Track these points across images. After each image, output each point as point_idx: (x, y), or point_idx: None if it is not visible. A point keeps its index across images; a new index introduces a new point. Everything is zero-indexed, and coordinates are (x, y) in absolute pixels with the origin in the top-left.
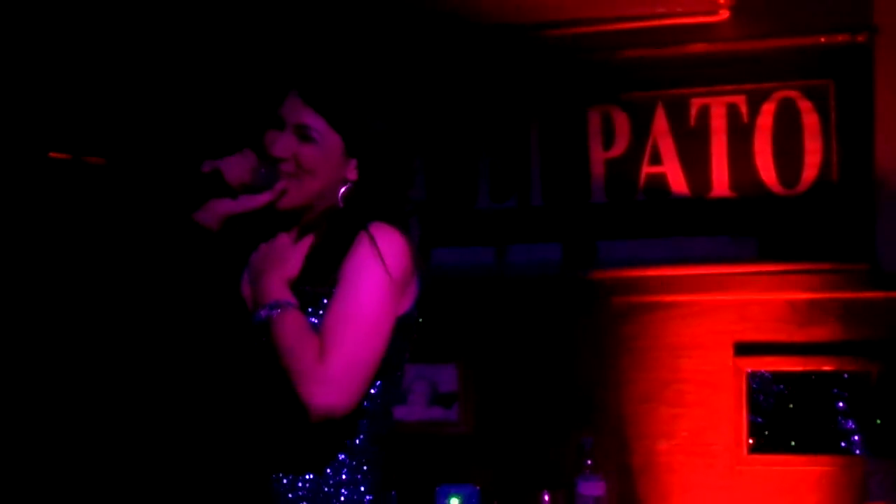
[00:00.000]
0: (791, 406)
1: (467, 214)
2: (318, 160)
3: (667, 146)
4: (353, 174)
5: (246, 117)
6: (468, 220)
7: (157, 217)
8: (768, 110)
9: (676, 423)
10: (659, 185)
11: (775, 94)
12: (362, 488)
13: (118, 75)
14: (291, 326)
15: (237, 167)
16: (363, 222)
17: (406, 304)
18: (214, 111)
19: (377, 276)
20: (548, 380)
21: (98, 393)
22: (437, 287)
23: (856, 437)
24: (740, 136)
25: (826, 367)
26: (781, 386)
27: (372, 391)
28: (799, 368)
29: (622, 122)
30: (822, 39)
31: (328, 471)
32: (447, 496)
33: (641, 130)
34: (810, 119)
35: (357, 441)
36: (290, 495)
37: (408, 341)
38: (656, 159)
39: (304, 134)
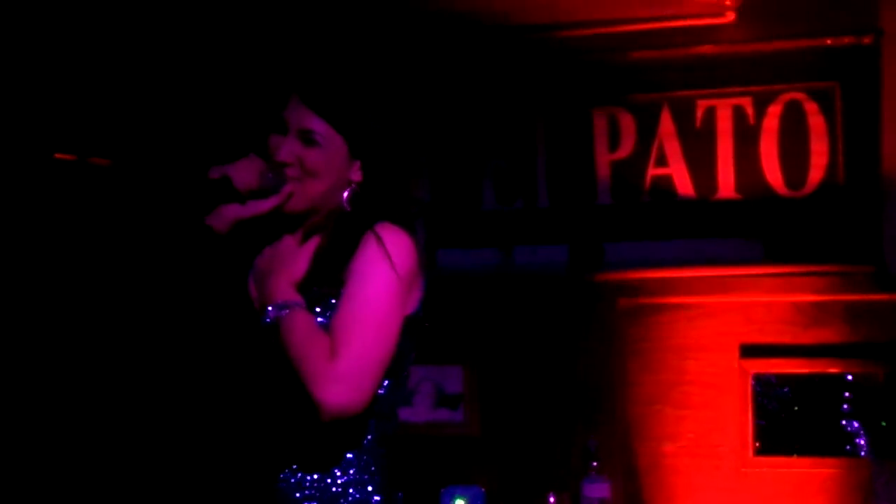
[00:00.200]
0: (797, 408)
1: (473, 216)
2: (323, 163)
3: (673, 148)
4: (357, 176)
5: (249, 121)
6: (474, 222)
7: (165, 219)
8: (774, 112)
9: (682, 424)
10: (665, 186)
11: (781, 96)
12: (370, 488)
13: (123, 77)
14: (300, 327)
15: (245, 172)
16: (369, 223)
17: (412, 303)
18: (218, 113)
19: (385, 275)
20: (553, 381)
21: (105, 395)
22: (443, 288)
23: (861, 440)
24: (746, 137)
25: (832, 370)
26: (787, 388)
27: (380, 391)
28: (805, 370)
29: (628, 124)
30: (829, 41)
31: (336, 471)
32: (452, 498)
33: (647, 132)
34: (816, 121)
35: (365, 441)
36: (297, 494)
37: (414, 341)
38: (662, 161)
39: (307, 138)
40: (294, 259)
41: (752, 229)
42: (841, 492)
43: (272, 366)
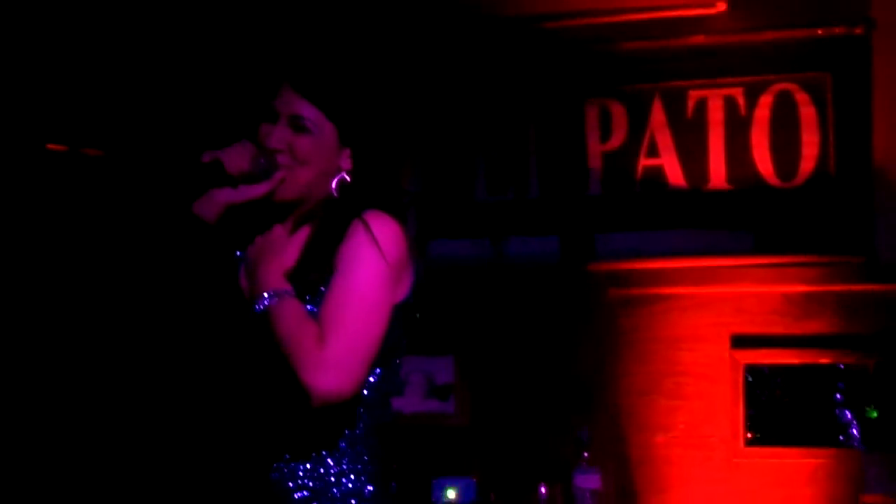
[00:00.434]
0: (788, 399)
1: (464, 206)
2: (313, 150)
3: (664, 139)
4: (347, 164)
5: (240, 110)
6: (465, 212)
7: (155, 209)
8: (765, 103)
9: (674, 415)
10: (656, 177)
11: (773, 86)
12: (363, 478)
13: (115, 67)
14: (290, 314)
15: (237, 157)
16: (358, 211)
17: (402, 291)
18: (210, 103)
19: (373, 262)
20: (545, 372)
21: (96, 384)
22: (434, 279)
23: (853, 430)
24: (737, 128)
25: (823, 360)
26: (778, 378)
27: (371, 379)
28: (796, 361)
29: (619, 115)
30: (820, 32)
31: (329, 460)
32: (444, 488)
33: (639, 123)
34: (807, 111)
35: (357, 430)
36: (290, 484)
37: (405, 330)
38: (653, 152)
39: (298, 125)
40: (284, 248)
41: (744, 220)
42: (832, 482)
43: (263, 355)
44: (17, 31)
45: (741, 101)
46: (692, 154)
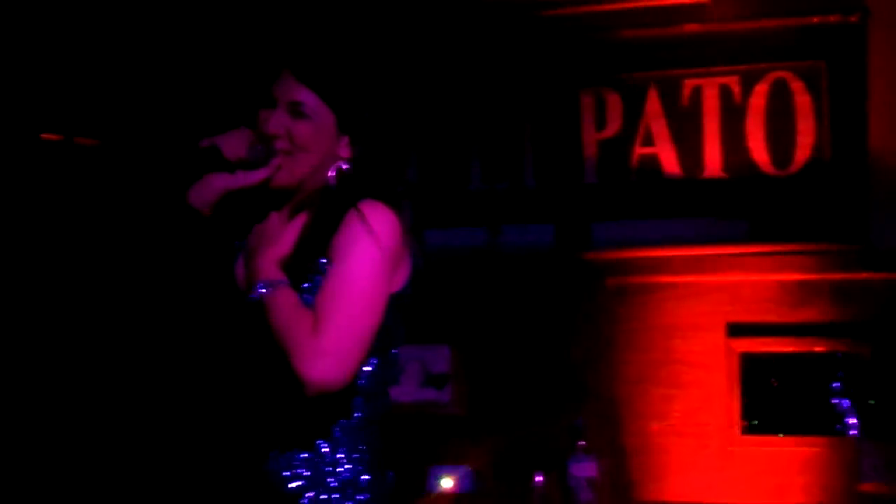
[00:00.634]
0: (784, 387)
1: (460, 195)
2: (312, 137)
3: (659, 127)
4: (345, 151)
5: (239, 97)
6: (461, 201)
7: (150, 199)
8: (761, 91)
9: (669, 403)
10: (651, 165)
11: (768, 74)
12: (359, 467)
13: (110, 55)
14: (284, 304)
15: (235, 143)
16: (354, 200)
17: (399, 281)
18: (207, 91)
19: (368, 251)
20: (541, 361)
21: (90, 373)
22: (430, 268)
23: (849, 419)
24: (733, 116)
25: (819, 348)
26: (774, 367)
27: (367, 369)
28: (792, 349)
29: (615, 104)
30: (815, 20)
31: (325, 449)
32: (439, 477)
33: (634, 111)
34: (803, 100)
35: (353, 419)
36: (286, 473)
37: (402, 320)
38: (649, 140)
39: (297, 110)
40: (279, 236)
41: (739, 208)
42: (828, 471)
43: (258, 344)
44: (10, 21)
45: (736, 89)
46: (687, 142)
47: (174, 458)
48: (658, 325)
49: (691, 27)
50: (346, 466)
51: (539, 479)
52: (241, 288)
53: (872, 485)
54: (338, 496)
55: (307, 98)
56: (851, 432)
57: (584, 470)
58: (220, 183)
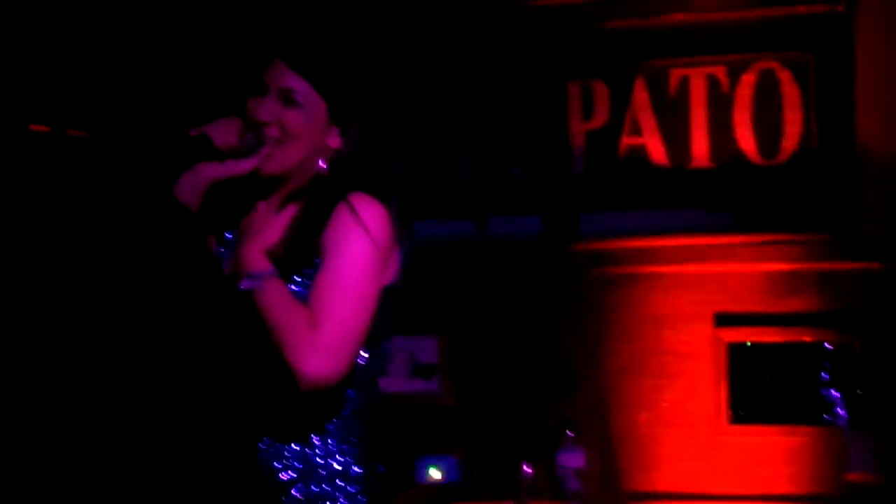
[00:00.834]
0: (771, 377)
1: (447, 186)
2: (303, 125)
3: (647, 118)
4: (335, 142)
5: (229, 85)
6: (448, 192)
7: (138, 191)
8: (748, 81)
9: (657, 394)
10: (639, 156)
11: (755, 64)
12: (349, 459)
13: (100, 45)
14: (276, 296)
15: (225, 131)
16: (343, 192)
17: (390, 274)
18: (198, 81)
19: (362, 245)
20: (529, 351)
21: (80, 365)
22: (418, 259)
23: (837, 408)
24: (720, 106)
25: (806, 338)
26: (762, 356)
27: (359, 361)
28: (779, 339)
29: (602, 94)
30: (802, 9)
31: (317, 441)
32: (427, 467)
33: (621, 102)
34: (790, 90)
35: (344, 412)
36: (276, 464)
37: (393, 312)
38: (636, 130)
39: (288, 98)
40: (267, 227)
41: (727, 198)
42: (816, 460)
43: (248, 335)
44: None
45: (723, 79)
46: (675, 133)
47: (164, 448)
48: (646, 316)
49: (678, 17)
50: (337, 458)
51: (527, 469)
52: (229, 280)
53: (860, 474)
54: (328, 488)
55: (299, 86)
56: (839, 422)
57: (572, 460)
58: (209, 172)
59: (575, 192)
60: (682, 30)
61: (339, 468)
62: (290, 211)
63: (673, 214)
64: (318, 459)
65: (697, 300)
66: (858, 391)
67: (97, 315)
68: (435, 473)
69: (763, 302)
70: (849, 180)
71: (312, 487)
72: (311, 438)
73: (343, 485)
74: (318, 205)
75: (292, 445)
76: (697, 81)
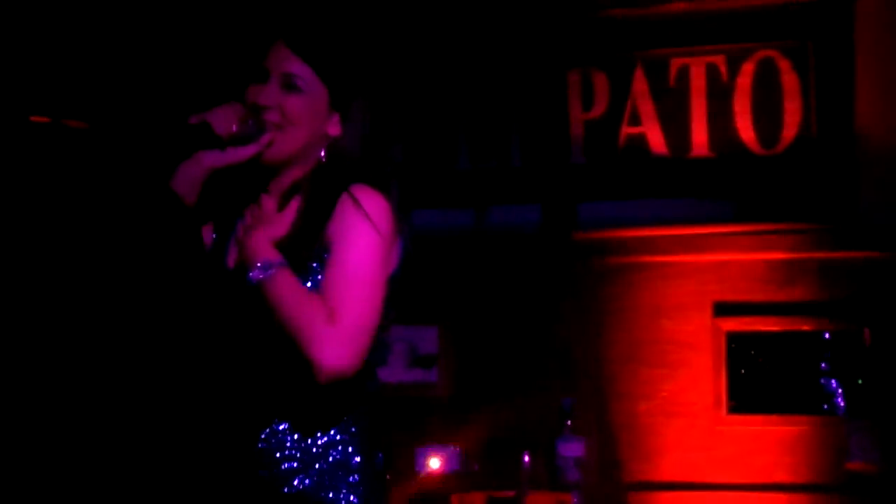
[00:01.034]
0: (771, 366)
1: (447, 175)
2: (304, 110)
3: (646, 107)
4: (335, 129)
5: (230, 71)
6: (448, 182)
7: (138, 184)
8: (748, 70)
9: (657, 383)
10: (638, 145)
11: (755, 53)
12: (351, 449)
13: (99, 35)
14: (288, 287)
15: (225, 118)
16: (344, 184)
17: (392, 264)
18: (198, 69)
19: (370, 237)
20: (528, 341)
21: (83, 360)
22: (417, 248)
23: (837, 398)
24: (720, 96)
25: (805, 327)
26: (761, 346)
27: None
28: (778, 328)
29: (601, 83)
30: None
31: (317, 431)
32: (427, 457)
33: (621, 91)
34: (790, 79)
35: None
36: (277, 454)
37: (393, 302)
38: (636, 120)
39: (290, 83)
40: (272, 219)
41: (726, 187)
42: (816, 449)
43: (250, 325)
44: None
45: (723, 68)
46: (674, 122)
47: (163, 442)
48: (645, 305)
49: (678, 6)
50: (339, 448)
51: (527, 458)
52: (232, 272)
53: (860, 464)
54: (329, 478)
55: (302, 71)
56: (838, 411)
57: (572, 450)
58: (209, 160)
59: (574, 182)
60: (681, 19)
61: (340, 458)
62: (294, 203)
63: (672, 204)
64: (318, 449)
65: (697, 290)
66: (858, 380)
67: (94, 310)
68: (434, 463)
69: (763, 291)
70: (849, 169)
71: (313, 478)
72: (312, 428)
73: (343, 475)
74: (320, 197)
75: (293, 435)
76: (697, 70)
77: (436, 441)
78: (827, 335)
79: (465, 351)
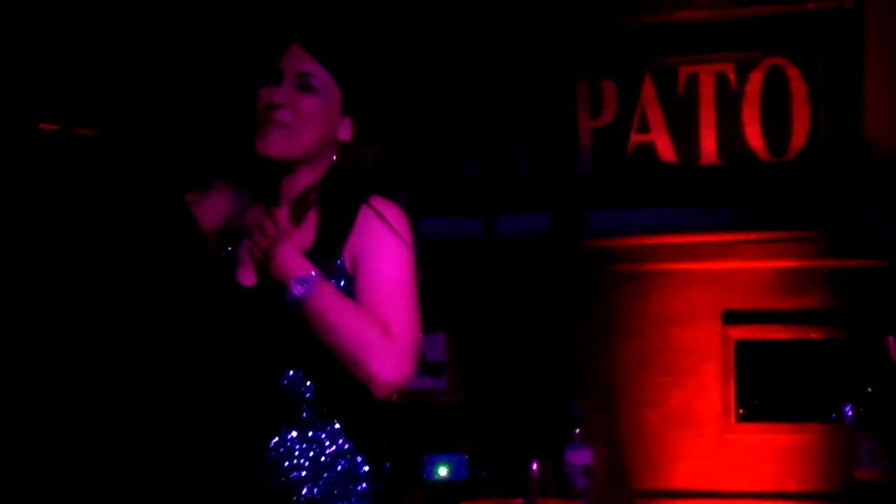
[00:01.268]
0: (779, 374)
1: (455, 183)
2: (317, 110)
3: (655, 114)
4: (346, 133)
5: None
6: (456, 189)
7: (149, 191)
8: (756, 78)
9: (665, 391)
10: (647, 153)
11: (763, 61)
12: (359, 458)
13: (110, 41)
14: (334, 300)
15: (211, 211)
16: (360, 194)
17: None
18: (210, 77)
19: (400, 250)
20: (536, 349)
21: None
22: (425, 256)
23: (845, 407)
24: (728, 103)
25: (814, 336)
26: (770, 354)
27: None
28: (787, 336)
29: (610, 91)
30: (810, 6)
31: (325, 440)
32: (435, 465)
33: (629, 99)
34: (798, 86)
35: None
36: (286, 463)
37: None
38: (644, 128)
39: (305, 82)
40: (290, 231)
41: (735, 195)
42: (824, 458)
43: (262, 333)
44: (7, 9)
45: (732, 76)
46: (683, 130)
47: (175, 447)
48: (654, 313)
49: (687, 14)
50: (347, 457)
51: (535, 467)
52: (245, 283)
53: (868, 472)
54: (337, 487)
55: (317, 70)
56: (847, 420)
57: (580, 458)
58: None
59: (583, 190)
60: (690, 27)
61: (348, 467)
62: (311, 215)
63: (681, 212)
64: (326, 459)
65: (705, 297)
66: (867, 388)
67: (101, 317)
68: (443, 471)
69: (771, 299)
70: (857, 177)
71: (322, 486)
72: (321, 437)
73: (352, 483)
74: (338, 207)
75: (301, 444)
76: (706, 78)
77: (444, 448)
78: (836, 344)
79: (474, 358)
